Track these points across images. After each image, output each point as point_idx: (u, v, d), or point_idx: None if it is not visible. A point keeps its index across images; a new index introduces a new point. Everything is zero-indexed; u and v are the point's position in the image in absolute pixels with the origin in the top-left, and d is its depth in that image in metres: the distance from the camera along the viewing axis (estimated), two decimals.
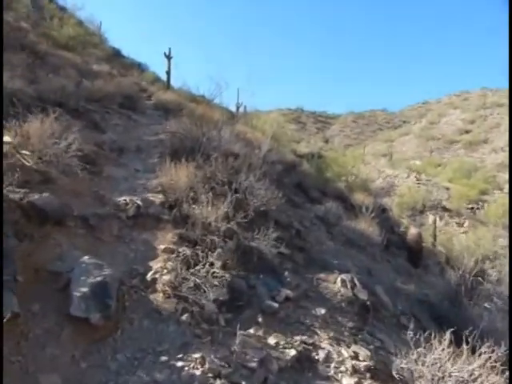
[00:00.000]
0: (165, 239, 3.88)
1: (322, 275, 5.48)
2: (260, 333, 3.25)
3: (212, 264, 3.09)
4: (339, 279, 5.40)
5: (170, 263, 3.37)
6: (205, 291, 2.97)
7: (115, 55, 18.09)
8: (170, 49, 15.62)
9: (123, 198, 4.37)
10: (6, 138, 2.64)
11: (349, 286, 5.30)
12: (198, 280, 3.03)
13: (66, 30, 14.46)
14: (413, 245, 10.37)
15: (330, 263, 6.13)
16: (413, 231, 10.83)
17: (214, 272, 3.06)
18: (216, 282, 3.03)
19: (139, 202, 4.28)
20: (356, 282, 5.45)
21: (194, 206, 4.49)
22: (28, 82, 6.06)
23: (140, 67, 19.26)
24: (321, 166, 15.08)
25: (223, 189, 5.48)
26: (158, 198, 4.54)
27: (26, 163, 2.77)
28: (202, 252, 3.48)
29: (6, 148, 2.64)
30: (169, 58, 15.66)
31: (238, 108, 17.46)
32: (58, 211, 3.43)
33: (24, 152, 2.78)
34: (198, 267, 3.11)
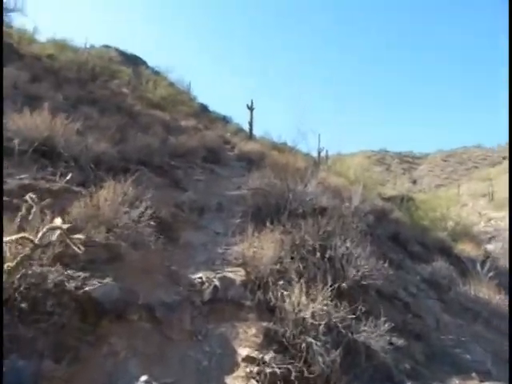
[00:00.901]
0: (247, 337, 2.99)
1: (456, 382, 4.01)
2: None
3: None
4: None
5: (253, 383, 2.44)
6: None
7: (202, 110, 19.06)
8: (252, 101, 16.03)
9: (199, 275, 3.66)
10: (57, 221, 2.09)
11: None
12: None
13: (159, 91, 15.63)
14: None
15: (461, 358, 4.60)
16: None
17: None
18: None
19: (217, 282, 3.51)
20: None
21: (281, 285, 3.58)
22: (113, 144, 6.00)
23: (224, 119, 19.99)
24: (413, 212, 13.37)
25: (315, 258, 4.52)
26: (238, 276, 3.73)
27: (78, 250, 2.17)
28: (295, 367, 2.51)
29: (56, 235, 2.08)
30: (251, 109, 15.94)
31: (319, 153, 16.78)
32: (120, 302, 2.79)
33: (76, 236, 2.19)
34: None
